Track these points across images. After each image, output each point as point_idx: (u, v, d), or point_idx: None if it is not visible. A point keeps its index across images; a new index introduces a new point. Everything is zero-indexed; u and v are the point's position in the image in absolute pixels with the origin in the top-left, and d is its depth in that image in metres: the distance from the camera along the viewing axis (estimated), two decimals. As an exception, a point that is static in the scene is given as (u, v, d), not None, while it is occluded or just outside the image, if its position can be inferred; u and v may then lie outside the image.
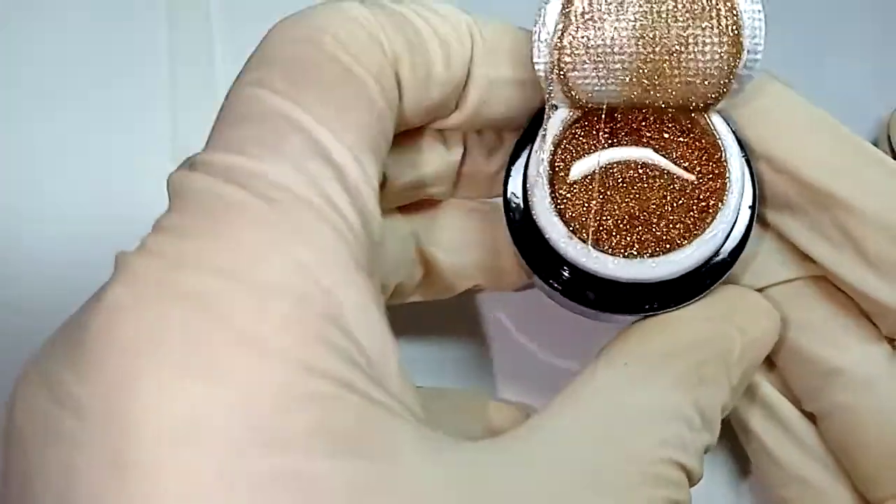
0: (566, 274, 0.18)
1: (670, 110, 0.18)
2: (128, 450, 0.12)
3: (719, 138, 0.18)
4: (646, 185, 0.18)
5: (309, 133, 0.15)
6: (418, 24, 0.17)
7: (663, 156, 0.18)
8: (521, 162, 0.19)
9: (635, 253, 0.18)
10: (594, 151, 0.18)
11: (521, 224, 0.19)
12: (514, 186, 0.19)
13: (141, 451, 0.12)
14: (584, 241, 0.17)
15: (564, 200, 0.18)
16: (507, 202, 0.19)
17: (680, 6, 0.17)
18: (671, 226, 0.18)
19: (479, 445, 0.15)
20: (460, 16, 0.18)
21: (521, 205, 0.19)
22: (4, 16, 0.28)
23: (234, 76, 0.17)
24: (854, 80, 0.33)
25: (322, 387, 0.13)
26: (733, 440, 0.23)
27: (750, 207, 0.19)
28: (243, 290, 0.13)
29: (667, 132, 0.18)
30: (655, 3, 0.17)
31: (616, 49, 0.17)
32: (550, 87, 0.18)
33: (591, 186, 0.18)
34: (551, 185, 0.18)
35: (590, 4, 0.17)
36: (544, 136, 0.18)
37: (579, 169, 0.18)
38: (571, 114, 0.18)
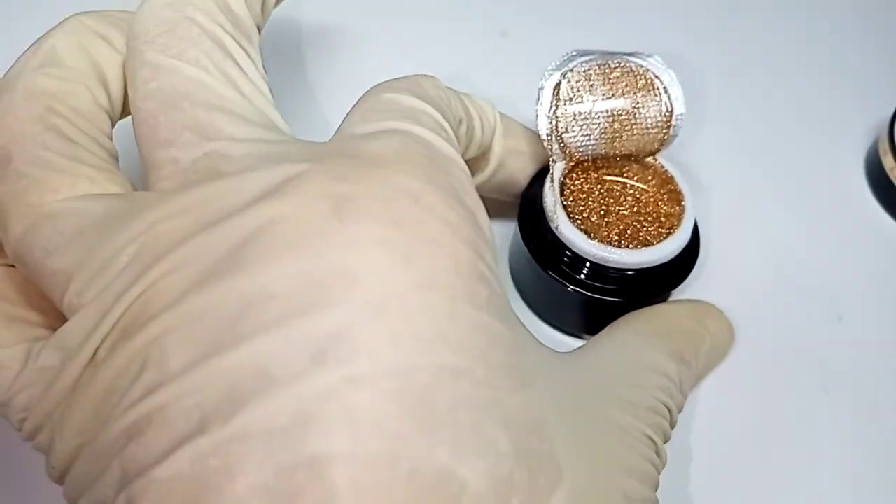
0: (586, 272, 0.25)
1: (633, 156, 0.26)
2: (381, 292, 0.16)
3: (669, 172, 0.26)
4: (631, 204, 0.26)
5: (437, 118, 0.20)
6: (468, 104, 0.24)
7: (636, 186, 0.26)
8: (529, 206, 0.26)
9: (638, 247, 0.25)
10: (589, 188, 0.26)
11: (540, 245, 0.26)
12: (528, 225, 0.26)
13: (391, 294, 0.16)
14: (601, 243, 0.24)
15: (579, 220, 0.25)
16: (526, 238, 0.26)
17: (630, 84, 0.25)
18: (654, 228, 0.25)
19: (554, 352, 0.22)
20: (488, 104, 0.25)
21: (541, 231, 0.26)
22: (4, 15, 0.29)
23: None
24: (855, 79, 0.35)
25: (484, 270, 0.18)
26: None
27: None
28: (434, 192, 0.18)
29: (635, 171, 0.26)
30: (615, 82, 0.25)
31: (593, 116, 0.25)
32: (551, 146, 0.25)
33: (593, 209, 0.26)
34: (566, 211, 0.25)
35: (572, 86, 0.25)
36: (552, 180, 0.25)
37: (582, 199, 0.26)
38: (568, 164, 0.26)
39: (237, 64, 0.19)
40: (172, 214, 0.17)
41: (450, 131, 0.21)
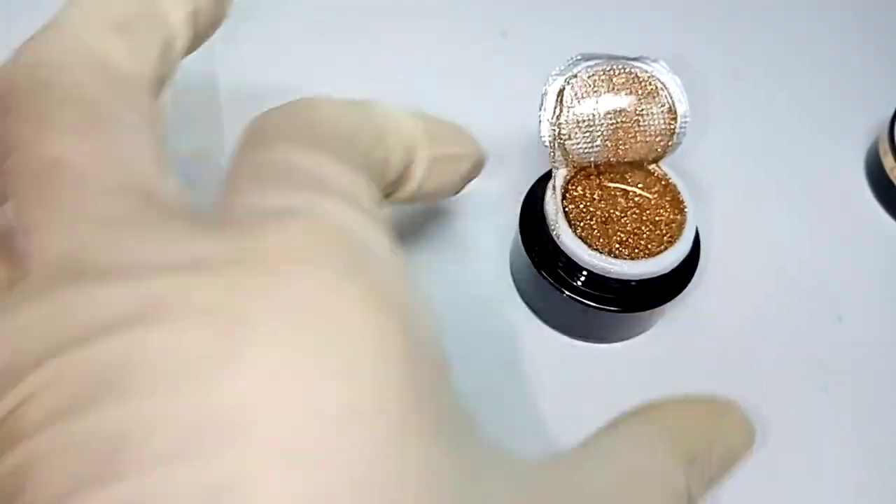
0: (586, 281, 0.25)
1: (636, 162, 0.26)
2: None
3: (672, 180, 0.26)
4: (632, 212, 0.26)
5: (344, 180, 0.18)
6: (380, 121, 0.21)
7: (639, 193, 0.26)
8: (530, 212, 0.26)
9: (639, 255, 0.25)
10: (591, 195, 0.26)
11: (541, 252, 0.26)
12: (529, 231, 0.26)
13: (294, 436, 0.13)
14: (601, 252, 0.25)
15: (580, 227, 0.25)
16: (527, 244, 0.26)
17: (634, 90, 0.25)
18: (655, 236, 0.25)
19: (530, 461, 0.19)
20: (404, 113, 0.22)
21: (541, 238, 0.26)
22: (4, 16, 0.29)
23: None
24: (855, 79, 0.35)
25: (422, 382, 0.15)
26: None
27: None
28: (351, 298, 0.15)
29: (637, 178, 0.26)
30: (619, 88, 0.25)
31: (597, 122, 0.25)
32: (553, 153, 0.25)
33: (595, 216, 0.26)
34: (567, 219, 0.25)
35: (575, 92, 0.25)
36: (554, 188, 0.25)
37: (584, 206, 0.26)
38: (570, 171, 0.26)
39: (116, 126, 0.17)
40: (41, 319, 0.15)
41: (363, 192, 0.18)
